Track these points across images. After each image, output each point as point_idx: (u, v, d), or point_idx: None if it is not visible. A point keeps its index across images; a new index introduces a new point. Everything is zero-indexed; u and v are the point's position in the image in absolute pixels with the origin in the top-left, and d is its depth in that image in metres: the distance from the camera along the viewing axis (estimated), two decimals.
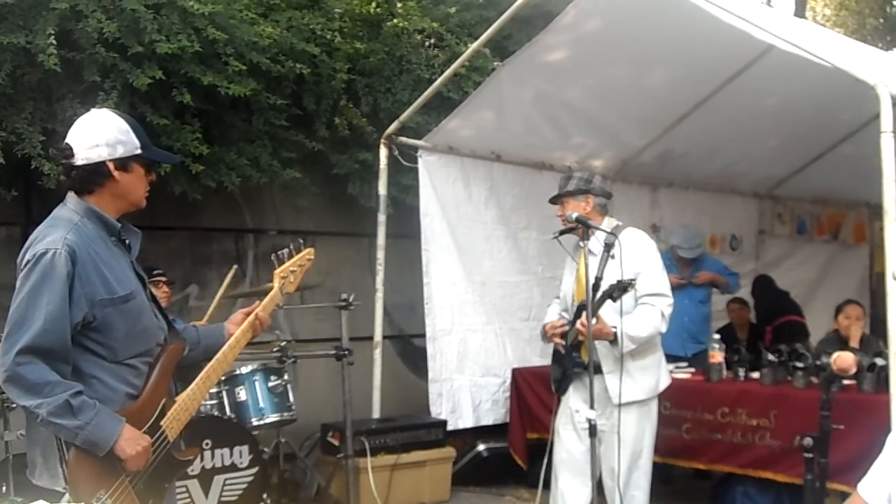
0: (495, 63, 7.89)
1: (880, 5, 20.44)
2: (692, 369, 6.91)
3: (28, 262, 3.08)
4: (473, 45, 7.34)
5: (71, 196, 3.26)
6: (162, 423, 3.23)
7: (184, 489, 5.49)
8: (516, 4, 6.72)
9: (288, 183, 7.54)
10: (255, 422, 6.20)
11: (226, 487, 5.81)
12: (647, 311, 5.22)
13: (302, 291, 7.97)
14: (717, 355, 6.45)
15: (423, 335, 7.46)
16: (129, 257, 3.32)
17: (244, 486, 5.89)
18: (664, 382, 5.48)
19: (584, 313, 5.02)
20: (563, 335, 5.37)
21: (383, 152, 7.43)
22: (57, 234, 3.10)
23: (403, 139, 7.47)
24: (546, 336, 5.54)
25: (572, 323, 5.30)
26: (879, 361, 5.63)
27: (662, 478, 5.61)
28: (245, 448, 5.89)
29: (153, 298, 3.39)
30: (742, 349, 6.68)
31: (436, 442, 6.93)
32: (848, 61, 5.37)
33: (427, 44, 8.45)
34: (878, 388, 5.55)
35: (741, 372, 6.47)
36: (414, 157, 7.43)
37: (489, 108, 7.38)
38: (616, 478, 5.21)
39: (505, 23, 6.98)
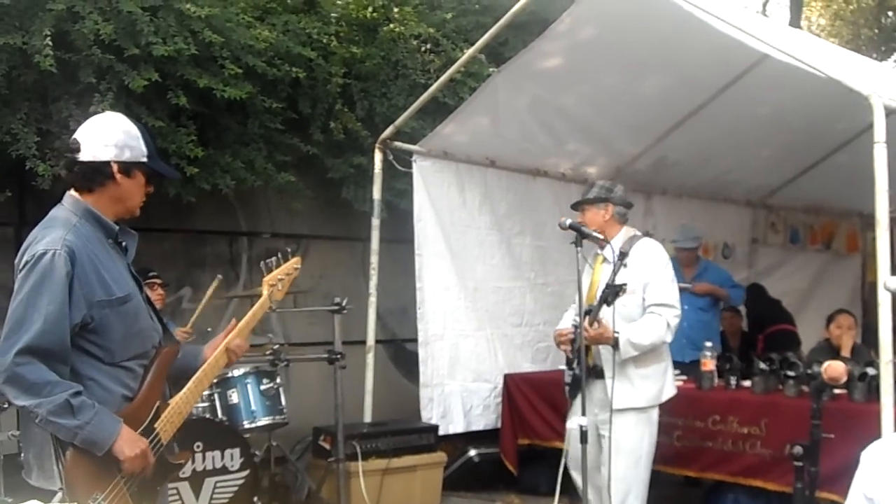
0: (491, 69, 7.91)
1: (875, 16, 20.51)
2: (684, 377, 6.92)
3: (27, 262, 3.08)
4: (469, 51, 7.35)
5: (69, 196, 3.27)
6: (156, 425, 3.24)
7: (175, 492, 5.48)
8: (512, 11, 6.74)
9: (282, 186, 7.55)
10: (246, 424, 6.19)
11: (217, 490, 5.80)
12: (652, 320, 5.36)
13: (295, 295, 8.00)
14: (709, 363, 6.46)
15: (416, 340, 7.45)
16: (125, 259, 3.33)
17: (235, 488, 5.88)
18: (668, 393, 5.56)
19: (585, 319, 5.17)
20: (572, 342, 5.43)
21: (378, 157, 7.44)
22: (56, 234, 3.11)
23: (398, 144, 7.48)
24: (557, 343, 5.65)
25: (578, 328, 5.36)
26: (870, 371, 5.65)
27: (653, 484, 5.63)
28: (236, 451, 5.88)
29: (149, 301, 3.40)
30: (734, 357, 6.70)
31: (427, 447, 6.93)
32: (842, 71, 5.40)
33: (423, 49, 8.47)
34: (869, 397, 5.57)
35: (733, 380, 6.49)
36: (409, 162, 7.44)
37: (484, 114, 7.39)
38: (608, 483, 5.24)
39: (501, 29, 6.99)
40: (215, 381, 6.10)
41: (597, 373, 5.43)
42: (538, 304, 8.14)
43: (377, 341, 7.65)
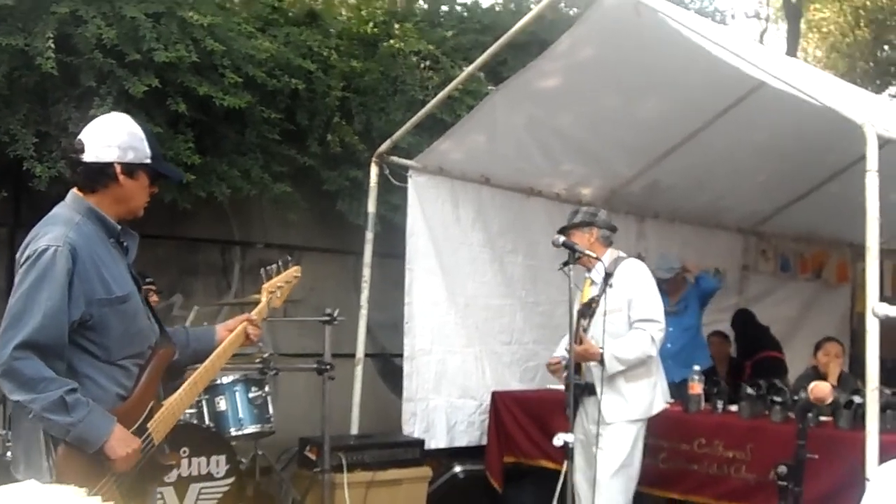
0: (489, 87, 7.96)
1: (871, 49, 20.66)
2: (671, 399, 6.94)
3: (28, 257, 3.11)
4: (468, 69, 7.38)
5: (72, 194, 3.29)
6: (149, 425, 3.26)
7: (160, 496, 5.47)
8: (512, 30, 6.78)
9: (278, 196, 7.57)
10: (233, 432, 6.20)
11: (201, 496, 5.80)
12: (636, 335, 5.58)
13: (286, 305, 8.00)
14: (697, 386, 6.48)
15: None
16: (126, 259, 3.36)
17: (220, 495, 5.88)
18: (658, 406, 5.76)
19: (569, 340, 5.39)
20: (565, 368, 5.61)
21: (374, 171, 7.46)
22: (58, 231, 3.13)
23: (394, 158, 7.50)
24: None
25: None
26: (857, 399, 5.67)
27: None
28: (222, 458, 5.88)
29: (146, 302, 3.42)
30: (721, 382, 6.72)
31: (413, 461, 6.92)
32: (837, 100, 5.45)
33: (422, 65, 8.53)
34: (855, 425, 5.58)
35: (720, 404, 6.51)
36: (404, 177, 7.46)
37: (481, 132, 7.42)
38: (594, 487, 5.38)
39: (500, 48, 7.02)
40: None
41: (590, 389, 5.59)
42: (528, 323, 8.15)
43: (366, 355, 7.65)
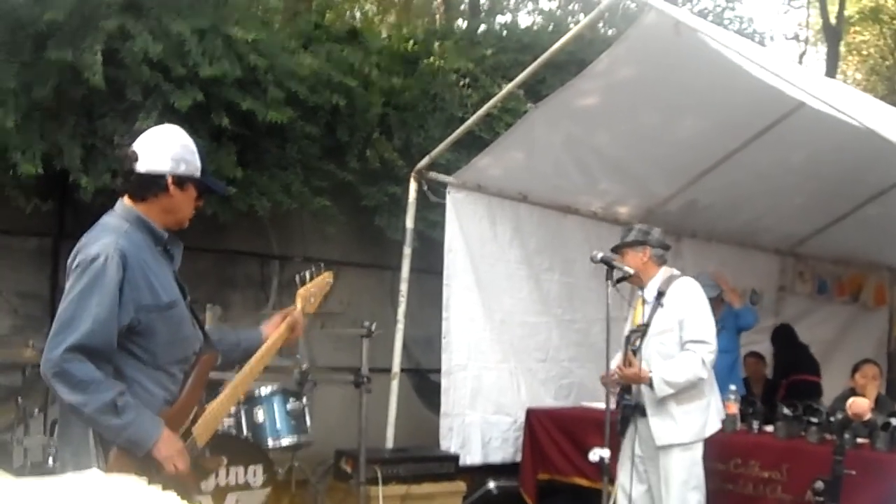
0: (528, 105, 8.01)
1: None
2: None
3: (79, 264, 3.18)
4: (507, 87, 7.44)
5: (121, 203, 3.37)
6: (193, 429, 3.32)
7: None
8: (551, 50, 6.82)
9: (317, 211, 7.65)
10: (271, 443, 6.25)
11: None
12: (686, 357, 5.46)
13: (323, 319, 8.08)
14: (733, 406, 6.46)
15: (440, 370, 7.48)
16: (172, 267, 3.43)
17: None
18: (711, 428, 5.64)
19: (622, 358, 5.43)
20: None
21: (412, 186, 7.52)
22: (108, 239, 3.20)
23: (433, 174, 7.56)
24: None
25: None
26: (894, 421, 5.65)
27: None
28: (259, 468, 5.93)
29: (191, 308, 3.48)
30: (757, 402, 6.70)
31: (447, 475, 6.94)
32: (877, 121, 5.44)
33: (462, 83, 8.59)
34: (892, 447, 5.56)
35: (755, 424, 6.49)
36: (442, 193, 7.51)
37: (519, 149, 7.46)
38: None
39: (539, 67, 7.06)
40: (241, 398, 6.18)
41: (641, 410, 5.55)
42: (564, 341, 8.16)
43: (402, 370, 7.69)
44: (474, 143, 7.88)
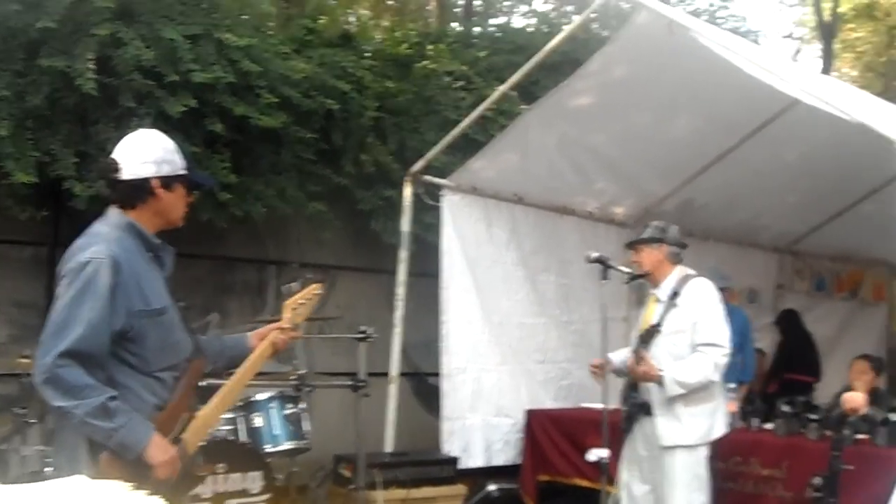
0: (522, 107, 8.00)
1: None
2: None
3: (71, 270, 3.17)
4: (501, 89, 7.44)
5: (112, 210, 3.36)
6: (183, 436, 3.31)
7: None
8: (544, 50, 6.82)
9: (312, 216, 7.64)
10: (269, 448, 6.22)
11: None
12: (698, 359, 5.37)
13: (321, 324, 8.06)
14: (732, 404, 6.44)
15: (438, 374, 7.47)
16: (163, 273, 3.42)
17: None
18: (717, 431, 5.55)
19: (631, 356, 5.36)
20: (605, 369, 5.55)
21: (408, 190, 7.51)
22: (101, 245, 3.20)
23: (428, 178, 7.55)
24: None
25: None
26: (893, 417, 5.64)
27: None
28: (258, 474, 5.89)
29: (181, 314, 3.47)
30: (756, 399, 6.69)
31: (447, 479, 6.92)
32: (871, 117, 5.43)
33: (455, 86, 8.59)
34: (892, 442, 5.56)
35: (755, 422, 6.48)
36: (437, 196, 7.51)
37: (514, 151, 7.46)
38: None
39: (533, 68, 7.07)
40: (239, 404, 6.16)
41: (646, 409, 5.48)
42: (561, 342, 8.16)
43: (400, 373, 7.67)
44: (469, 146, 7.87)
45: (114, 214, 3.35)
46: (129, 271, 3.21)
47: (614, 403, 5.82)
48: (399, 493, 6.62)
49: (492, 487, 7.48)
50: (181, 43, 6.40)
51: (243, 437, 6.20)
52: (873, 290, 10.81)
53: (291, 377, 6.42)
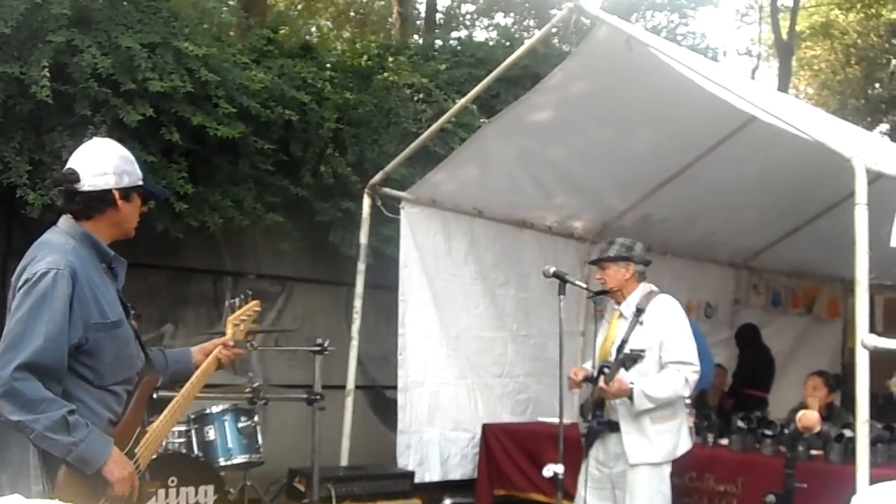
0: (482, 120, 8.01)
1: (862, 87, 20.79)
2: None
3: (28, 280, 3.10)
4: (461, 102, 7.43)
5: (65, 220, 3.29)
6: (136, 450, 3.26)
7: None
8: (505, 64, 6.83)
9: (270, 227, 7.59)
10: (222, 462, 6.15)
11: None
12: (670, 375, 5.35)
13: (276, 336, 8.01)
14: (688, 419, 6.46)
15: (396, 387, 7.42)
16: (116, 285, 3.36)
17: None
18: (683, 448, 5.55)
19: (601, 375, 5.24)
20: (586, 378, 5.48)
21: (366, 202, 7.47)
22: (57, 255, 3.14)
23: (387, 190, 7.52)
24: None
25: (594, 381, 5.40)
26: (847, 433, 5.68)
27: None
28: (210, 488, 5.83)
29: (133, 328, 3.42)
30: (712, 415, 6.72)
31: (402, 493, 6.87)
32: (826, 134, 5.49)
33: (415, 98, 8.58)
34: (846, 459, 5.58)
35: (710, 437, 6.50)
36: (396, 209, 7.47)
37: (473, 164, 7.45)
38: None
39: (493, 81, 7.08)
40: (192, 416, 6.10)
41: (611, 426, 5.43)
42: (519, 356, 8.14)
43: (357, 387, 7.62)
44: (428, 159, 7.86)
45: (67, 224, 3.29)
46: (86, 283, 3.16)
47: (571, 418, 5.81)
48: None
49: (448, 502, 7.46)
50: (138, 51, 6.34)
51: (196, 450, 6.13)
52: (828, 307, 10.91)
53: (246, 389, 6.33)
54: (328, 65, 8.53)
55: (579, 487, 5.55)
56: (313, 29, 13.34)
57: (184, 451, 6.08)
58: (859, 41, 20.89)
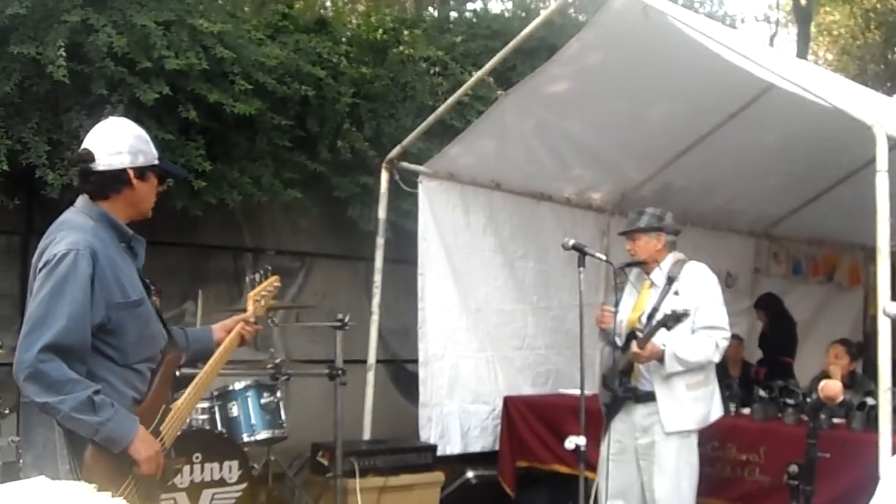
0: (498, 92, 7.97)
1: (881, 52, 20.60)
2: None
3: (48, 261, 3.12)
4: (477, 74, 7.40)
5: (83, 200, 3.31)
6: (161, 428, 3.29)
7: (172, 501, 5.48)
8: (521, 35, 6.80)
9: (288, 203, 7.60)
10: (245, 438, 6.20)
11: (214, 502, 5.80)
12: (701, 339, 5.39)
13: (297, 312, 8.03)
14: None
15: (416, 360, 7.44)
16: (135, 264, 3.37)
17: (232, 501, 5.86)
18: (715, 414, 5.61)
19: (634, 341, 5.29)
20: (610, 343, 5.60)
21: (384, 176, 7.46)
22: (76, 235, 3.15)
23: (405, 164, 7.50)
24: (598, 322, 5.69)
25: (623, 349, 5.45)
26: (870, 401, 5.67)
27: None
28: (235, 463, 5.87)
29: (155, 306, 3.44)
30: (733, 384, 6.71)
31: (425, 466, 6.90)
32: (846, 101, 5.44)
33: (432, 71, 8.56)
34: (868, 426, 5.57)
35: (732, 407, 6.49)
36: (414, 183, 7.46)
37: (490, 137, 7.42)
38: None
39: (509, 53, 7.05)
40: (216, 393, 6.14)
41: (637, 396, 5.47)
42: (540, 328, 8.14)
43: (378, 361, 7.64)
44: (446, 132, 7.84)
45: (85, 204, 3.30)
46: (106, 262, 3.18)
47: (592, 389, 5.81)
48: (377, 480, 6.59)
49: (470, 474, 7.49)
50: (154, 29, 6.34)
51: (220, 426, 6.18)
52: (849, 275, 10.85)
53: (268, 365, 6.37)
54: (343, 39, 8.50)
55: (602, 458, 5.56)
56: (328, 3, 13.31)
57: (208, 427, 6.13)
58: (878, 6, 20.66)
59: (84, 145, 3.31)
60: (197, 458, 5.68)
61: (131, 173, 3.29)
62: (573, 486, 5.72)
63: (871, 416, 5.53)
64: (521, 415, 7.33)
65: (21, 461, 5.34)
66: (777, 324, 9.57)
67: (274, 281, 3.98)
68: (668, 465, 5.40)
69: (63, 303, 3.05)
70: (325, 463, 6.57)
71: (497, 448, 7.50)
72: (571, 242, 5.12)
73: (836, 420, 5.78)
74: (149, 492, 3.24)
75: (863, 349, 8.18)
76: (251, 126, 7.27)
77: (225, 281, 8.05)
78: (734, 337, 8.71)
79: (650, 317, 5.45)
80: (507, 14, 11.17)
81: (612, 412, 5.52)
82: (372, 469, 6.59)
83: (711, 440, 6.18)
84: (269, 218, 8.13)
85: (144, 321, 3.30)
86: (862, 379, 6.84)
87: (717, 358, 5.50)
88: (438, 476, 6.96)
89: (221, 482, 5.83)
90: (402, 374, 8.71)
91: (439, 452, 7.14)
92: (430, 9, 12.35)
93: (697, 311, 5.41)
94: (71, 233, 3.17)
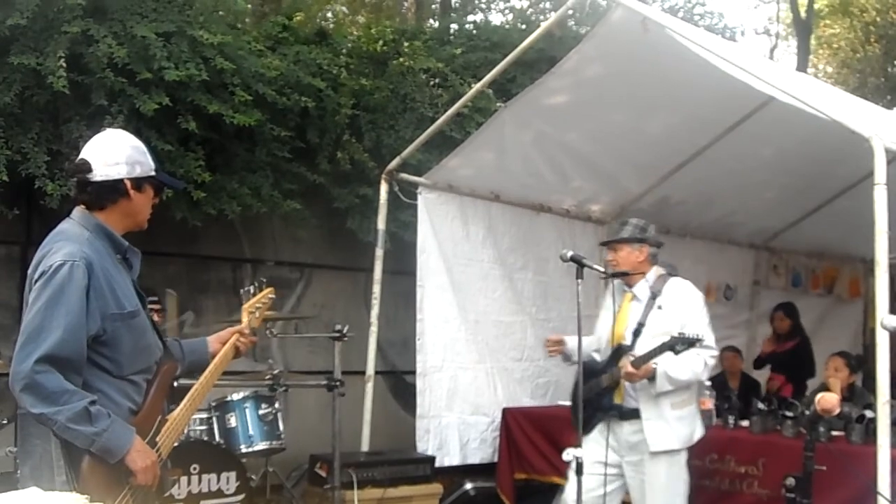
0: (498, 104, 7.98)
1: (881, 64, 20.64)
2: None
3: (44, 272, 3.11)
4: (477, 86, 7.41)
5: (79, 211, 3.31)
6: (157, 439, 3.28)
7: None
8: (520, 47, 6.81)
9: (288, 214, 7.60)
10: (243, 449, 6.20)
11: None
12: (691, 357, 5.26)
13: (296, 323, 8.03)
14: (708, 402, 6.44)
15: (415, 372, 7.43)
16: (131, 275, 3.37)
17: None
18: (698, 433, 5.53)
19: (623, 357, 5.22)
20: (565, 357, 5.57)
21: (384, 188, 7.47)
22: (72, 247, 3.15)
23: (404, 175, 7.51)
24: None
25: (608, 365, 5.39)
26: (868, 413, 5.65)
27: None
28: (232, 475, 5.88)
29: (150, 317, 3.44)
30: (732, 397, 6.70)
31: (423, 477, 6.89)
32: (845, 114, 5.44)
33: (431, 83, 8.57)
34: (867, 439, 5.56)
35: (731, 419, 6.48)
36: (414, 194, 7.46)
37: (490, 149, 7.43)
38: None
39: (509, 65, 7.06)
40: (214, 404, 6.14)
41: (623, 413, 5.41)
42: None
43: (377, 372, 7.64)
44: (445, 143, 7.85)
45: (81, 215, 3.30)
46: (102, 273, 3.17)
47: None
48: (375, 492, 6.58)
49: (468, 486, 7.47)
50: (154, 40, 6.35)
51: (218, 437, 6.18)
52: (849, 287, 10.85)
53: (266, 377, 6.37)
54: (343, 51, 8.52)
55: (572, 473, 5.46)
56: (328, 15, 13.35)
57: (205, 438, 6.13)
58: (878, 19, 20.72)
59: (81, 156, 3.31)
60: (194, 469, 5.68)
61: (128, 184, 3.29)
62: None
63: (870, 428, 5.52)
64: (519, 426, 7.32)
65: (18, 472, 5.36)
66: (804, 346, 9.29)
67: (269, 293, 3.98)
68: (658, 483, 5.34)
69: (59, 314, 3.05)
70: (324, 474, 6.56)
71: (496, 460, 7.48)
72: (570, 254, 5.09)
73: (834, 433, 5.77)
74: (145, 502, 3.23)
75: (862, 362, 8.16)
76: (251, 137, 7.29)
77: (224, 292, 8.05)
78: (732, 349, 8.79)
79: (636, 332, 5.39)
80: (507, 26, 11.22)
81: (589, 428, 5.42)
82: (370, 480, 6.58)
83: (710, 452, 6.17)
84: (269, 229, 8.14)
85: (139, 332, 3.29)
86: (861, 391, 6.83)
87: (705, 376, 5.45)
88: (437, 488, 6.95)
89: (219, 493, 5.83)
90: (400, 385, 8.70)
91: (438, 464, 7.13)
92: (431, 20, 12.39)
93: (684, 329, 5.26)
94: (67, 244, 3.17)
